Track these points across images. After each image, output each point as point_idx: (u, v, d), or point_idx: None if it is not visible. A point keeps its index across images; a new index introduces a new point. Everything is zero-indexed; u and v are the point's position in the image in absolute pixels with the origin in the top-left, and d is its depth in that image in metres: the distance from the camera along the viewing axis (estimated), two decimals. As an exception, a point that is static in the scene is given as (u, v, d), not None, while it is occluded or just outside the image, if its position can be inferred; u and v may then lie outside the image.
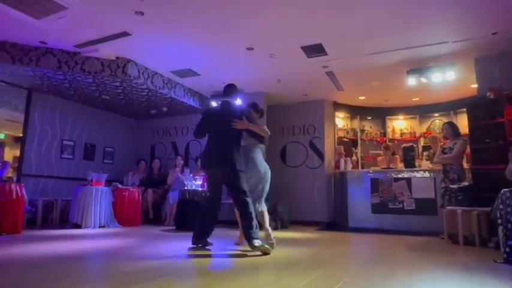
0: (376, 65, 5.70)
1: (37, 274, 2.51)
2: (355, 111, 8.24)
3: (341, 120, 8.31)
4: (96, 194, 5.72)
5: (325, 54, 5.32)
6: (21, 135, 6.52)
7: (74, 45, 5.19)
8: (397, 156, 6.73)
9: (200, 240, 3.71)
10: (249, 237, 3.40)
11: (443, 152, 5.01)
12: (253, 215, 3.50)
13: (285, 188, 7.36)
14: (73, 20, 4.40)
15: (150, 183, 7.34)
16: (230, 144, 3.67)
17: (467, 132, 5.26)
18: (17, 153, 6.95)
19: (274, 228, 5.99)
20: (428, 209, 5.68)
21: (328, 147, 7.55)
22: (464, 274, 2.66)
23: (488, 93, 5.02)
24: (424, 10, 4.14)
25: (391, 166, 6.38)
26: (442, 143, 5.59)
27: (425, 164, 6.25)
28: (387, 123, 8.36)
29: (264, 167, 4.03)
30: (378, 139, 8.31)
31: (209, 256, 3.36)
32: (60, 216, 6.41)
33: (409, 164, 6.11)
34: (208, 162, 3.76)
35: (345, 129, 8.29)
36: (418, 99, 7.52)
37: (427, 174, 5.88)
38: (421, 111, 8.07)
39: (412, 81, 5.76)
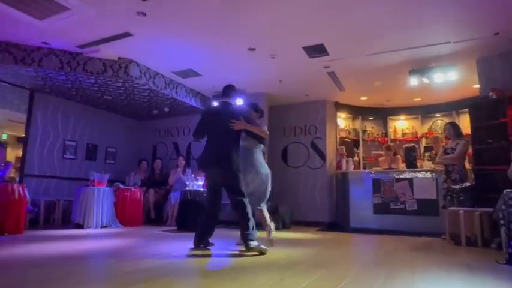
0: (377, 65, 5.69)
1: (39, 274, 2.52)
2: (357, 112, 8.22)
3: (343, 120, 8.30)
4: (98, 194, 5.73)
5: (327, 54, 5.32)
6: (24, 135, 6.55)
7: (76, 46, 5.20)
8: (399, 156, 6.72)
9: (202, 241, 3.71)
10: (245, 239, 3.42)
11: (445, 152, 5.00)
12: (250, 216, 3.51)
13: (286, 189, 7.36)
14: (75, 20, 4.41)
15: (151, 183, 7.35)
16: (228, 145, 3.67)
17: (470, 133, 5.24)
18: (20, 153, 6.97)
19: (276, 229, 5.99)
20: (430, 209, 5.67)
21: (330, 147, 7.55)
22: (466, 275, 2.65)
23: (490, 94, 5.00)
24: (426, 10, 4.14)
25: (392, 166, 6.37)
26: (444, 144, 5.59)
27: (427, 164, 6.25)
28: (389, 124, 8.35)
29: (265, 168, 4.04)
30: (380, 139, 8.29)
31: (211, 256, 3.37)
32: (62, 216, 6.43)
33: (411, 164, 6.10)
34: (206, 162, 3.78)
35: (346, 129, 8.28)
36: (419, 99, 7.51)
37: (429, 175, 5.87)
38: (423, 111, 8.05)
39: (413, 81, 5.75)
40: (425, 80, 5.69)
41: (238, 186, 3.59)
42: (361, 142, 8.17)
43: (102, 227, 5.69)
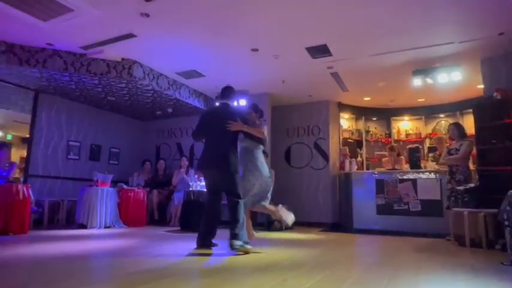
0: (381, 65, 5.68)
1: (43, 274, 2.53)
2: (360, 112, 8.21)
3: (346, 121, 8.29)
4: (101, 194, 5.76)
5: (330, 55, 5.32)
6: (28, 136, 6.58)
7: (80, 47, 5.23)
8: (403, 157, 6.70)
9: (205, 241, 3.72)
10: (231, 237, 3.49)
11: (449, 153, 4.98)
12: (241, 218, 3.56)
13: (289, 189, 7.35)
14: (79, 21, 4.43)
15: (155, 184, 7.37)
16: (226, 146, 3.69)
17: (474, 133, 5.22)
18: (24, 154, 7.02)
19: (279, 230, 6.00)
20: (434, 210, 5.64)
21: (333, 148, 7.53)
22: (470, 276, 2.64)
23: (495, 94, 4.98)
24: (430, 10, 4.12)
25: (396, 167, 6.35)
26: (448, 144, 5.56)
27: (431, 165, 6.22)
28: (392, 124, 8.32)
29: (267, 168, 4.06)
30: (383, 140, 8.27)
31: (213, 257, 3.37)
32: (66, 216, 6.47)
33: (415, 165, 6.08)
34: (204, 163, 3.81)
35: (349, 130, 8.27)
36: (423, 99, 7.48)
37: (432, 176, 5.85)
38: (426, 112, 8.02)
39: (417, 81, 5.73)
40: (429, 81, 5.67)
41: (235, 188, 3.64)
42: (364, 143, 8.15)
43: (105, 227, 5.71)
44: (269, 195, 4.14)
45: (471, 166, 5.18)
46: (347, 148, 7.52)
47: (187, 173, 7.05)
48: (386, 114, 8.26)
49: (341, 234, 5.79)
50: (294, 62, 5.62)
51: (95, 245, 4.21)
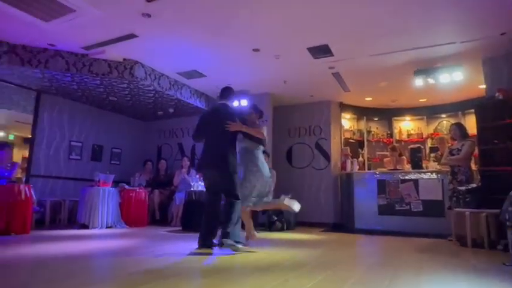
0: (382, 65, 5.67)
1: (45, 274, 2.54)
2: (362, 112, 8.19)
3: (347, 121, 8.28)
4: (103, 194, 5.77)
5: (332, 55, 5.31)
6: (30, 136, 6.61)
7: (82, 47, 5.24)
8: (404, 157, 6.69)
9: (206, 241, 3.72)
10: (222, 235, 3.56)
11: (450, 153, 4.97)
12: (235, 217, 3.60)
13: (291, 189, 7.23)
14: (81, 22, 4.44)
15: (156, 184, 7.38)
16: (225, 146, 3.72)
17: (476, 133, 5.21)
18: (26, 154, 7.04)
19: (280, 230, 6.00)
20: (436, 210, 5.63)
21: (335, 148, 7.53)
22: (472, 277, 2.63)
23: (497, 94, 4.96)
24: (431, 10, 4.11)
25: (398, 167, 6.34)
26: (449, 144, 5.55)
27: (433, 165, 6.21)
28: (394, 124, 8.31)
29: (267, 168, 4.07)
30: (385, 140, 8.26)
31: (215, 257, 3.37)
32: (68, 216, 6.48)
33: (416, 165, 6.07)
34: (203, 163, 3.84)
35: (351, 130, 8.26)
36: (425, 100, 7.47)
37: (434, 176, 5.84)
38: (428, 112, 8.00)
39: (419, 82, 5.72)
40: (430, 81, 5.67)
41: (234, 189, 3.67)
42: (366, 143, 8.14)
43: (107, 227, 5.72)
44: (270, 195, 4.13)
45: (473, 166, 5.16)
46: (348, 148, 7.51)
47: (188, 173, 7.06)
48: (387, 115, 8.25)
49: (342, 234, 5.79)
50: (296, 62, 5.62)
51: (97, 245, 4.21)
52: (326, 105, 7.60)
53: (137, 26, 4.59)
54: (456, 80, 5.53)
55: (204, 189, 4.04)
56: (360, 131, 8.33)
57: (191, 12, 4.22)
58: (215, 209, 3.79)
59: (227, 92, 4.05)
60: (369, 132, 8.30)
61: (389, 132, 8.36)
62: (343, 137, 7.87)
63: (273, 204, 4.21)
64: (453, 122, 6.02)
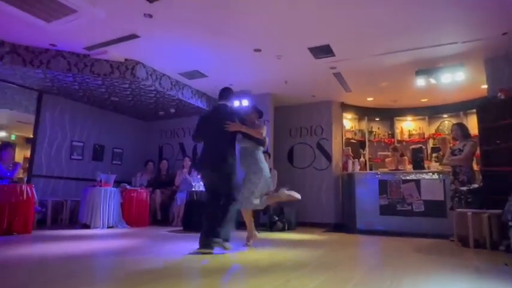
0: (384, 65, 5.66)
1: (46, 274, 2.54)
2: (363, 112, 8.18)
3: (349, 121, 8.27)
4: (104, 194, 5.78)
5: (333, 55, 5.31)
6: (32, 136, 6.62)
7: (84, 48, 5.25)
8: (406, 157, 6.68)
9: (207, 241, 3.71)
10: (212, 232, 3.57)
11: (452, 153, 4.96)
12: (227, 217, 3.62)
13: (292, 189, 7.31)
14: (82, 22, 4.45)
15: (158, 184, 7.38)
16: (223, 147, 3.72)
17: (477, 134, 5.19)
18: (28, 154, 7.06)
19: (281, 230, 5.99)
20: (438, 211, 5.62)
21: (336, 148, 7.52)
22: (474, 277, 2.63)
23: (498, 94, 4.94)
24: (433, 10, 4.11)
25: (399, 168, 6.33)
26: (451, 145, 5.53)
27: (434, 165, 6.19)
28: (395, 125, 8.29)
29: (267, 169, 4.08)
30: (386, 140, 8.25)
31: (216, 257, 3.37)
32: (70, 216, 6.50)
33: (418, 165, 6.06)
34: (202, 163, 3.85)
35: (352, 130, 8.25)
36: (426, 100, 7.46)
37: (436, 176, 5.82)
38: (430, 112, 7.98)
39: (420, 82, 5.71)
40: (432, 81, 5.66)
41: (231, 190, 3.68)
42: (367, 143, 8.13)
43: (108, 227, 5.73)
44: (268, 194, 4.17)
45: (475, 167, 5.15)
46: (350, 148, 7.50)
47: (189, 173, 7.06)
48: (389, 115, 8.23)
49: (344, 234, 5.78)
50: (297, 62, 5.61)
51: (98, 245, 4.22)
52: (327, 106, 7.60)
53: (139, 27, 4.59)
54: (458, 80, 5.51)
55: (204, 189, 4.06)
56: (361, 131, 8.31)
57: (193, 12, 4.22)
58: (215, 209, 3.79)
59: (226, 93, 4.04)
60: (370, 132, 8.29)
61: (390, 132, 8.35)
62: (344, 137, 7.86)
63: (273, 198, 4.23)
64: (455, 122, 6.02)
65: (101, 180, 5.96)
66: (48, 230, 5.41)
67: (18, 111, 7.53)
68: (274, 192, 4.22)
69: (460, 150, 4.84)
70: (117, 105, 7.42)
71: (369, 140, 8.18)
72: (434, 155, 6.99)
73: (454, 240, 4.59)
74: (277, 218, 6.09)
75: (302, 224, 6.78)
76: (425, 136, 8.02)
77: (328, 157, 7.42)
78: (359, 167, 6.97)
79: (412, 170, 6.14)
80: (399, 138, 8.19)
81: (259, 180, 3.95)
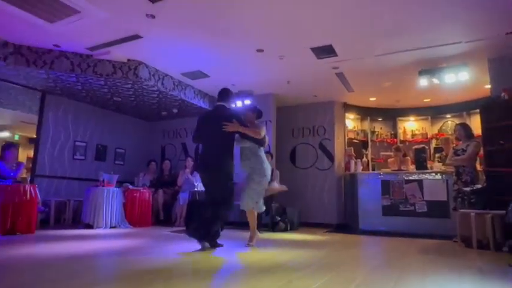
0: (387, 65, 5.65)
1: (49, 274, 2.55)
2: (366, 113, 8.16)
3: (351, 121, 8.25)
4: (107, 194, 5.79)
5: (335, 55, 5.30)
6: (35, 136, 6.64)
7: (87, 48, 5.27)
8: (409, 157, 6.66)
9: (210, 242, 3.72)
10: (204, 235, 3.60)
11: (455, 153, 4.93)
12: (217, 221, 3.64)
13: (294, 190, 7.32)
14: (86, 23, 4.46)
15: (160, 184, 7.40)
16: (221, 148, 3.75)
17: (481, 134, 5.17)
18: (31, 154, 7.09)
19: (284, 230, 5.99)
20: (441, 211, 5.60)
21: (338, 148, 7.51)
22: (477, 278, 2.62)
23: (502, 94, 4.92)
24: (436, 10, 4.09)
25: (402, 168, 6.31)
26: (454, 145, 5.51)
27: (437, 165, 6.17)
28: (398, 125, 8.27)
29: (269, 169, 4.09)
30: (389, 140, 8.22)
31: (218, 258, 3.37)
32: (73, 216, 6.52)
33: (421, 165, 6.04)
34: (200, 165, 3.92)
35: (355, 130, 8.23)
36: (429, 100, 7.43)
37: (439, 176, 5.80)
38: (432, 112, 7.95)
39: (423, 82, 5.69)
40: (435, 81, 5.63)
41: (219, 193, 3.69)
42: (370, 143, 8.11)
43: (111, 227, 5.74)
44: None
45: (478, 167, 5.12)
46: (352, 149, 7.49)
47: (192, 173, 7.06)
48: (392, 115, 8.21)
49: (346, 235, 5.77)
50: (299, 62, 5.61)
51: (101, 245, 4.23)
52: (330, 106, 7.58)
53: (141, 27, 4.60)
54: (461, 80, 5.49)
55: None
56: (363, 131, 8.29)
57: (195, 13, 4.22)
58: (214, 210, 3.79)
59: (224, 93, 4.05)
60: (372, 132, 8.27)
61: (393, 132, 8.32)
62: (347, 138, 7.85)
63: (266, 191, 4.29)
64: (458, 122, 5.99)
65: (103, 180, 5.98)
66: (51, 229, 5.43)
67: (21, 112, 7.55)
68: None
69: (463, 151, 4.82)
70: (119, 105, 7.44)
71: (371, 140, 8.16)
72: (437, 155, 6.97)
73: (457, 241, 4.57)
74: (279, 219, 6.08)
75: (304, 225, 6.77)
76: (428, 136, 7.99)
77: (331, 157, 7.41)
78: (361, 167, 6.95)
79: (414, 170, 6.12)
80: (402, 139, 8.16)
81: (266, 182, 3.99)
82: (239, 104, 6.80)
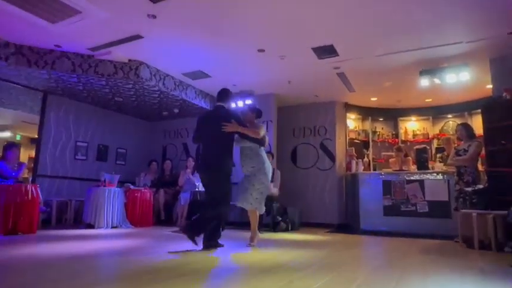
0: (388, 65, 5.64)
1: (51, 274, 2.55)
2: (367, 113, 8.16)
3: (352, 121, 8.25)
4: (108, 194, 5.80)
5: (337, 55, 5.29)
6: (37, 136, 6.66)
7: (88, 48, 5.28)
8: (410, 158, 6.65)
9: (211, 242, 3.72)
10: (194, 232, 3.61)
11: (457, 153, 4.92)
12: (203, 225, 3.64)
13: (295, 190, 7.33)
14: (87, 23, 4.47)
15: (161, 184, 7.40)
16: (220, 148, 3.75)
17: (482, 134, 5.16)
18: (33, 154, 7.11)
19: (285, 230, 5.99)
20: (442, 211, 5.59)
21: (339, 148, 7.50)
22: (479, 279, 2.61)
23: (504, 94, 4.91)
24: (437, 10, 4.09)
25: (403, 168, 6.30)
26: (455, 145, 5.50)
27: (439, 166, 6.16)
28: (399, 125, 8.26)
29: (270, 169, 4.09)
30: (390, 140, 8.22)
31: (220, 258, 3.37)
32: (74, 216, 6.53)
33: (422, 166, 6.03)
34: (199, 166, 3.94)
35: (356, 130, 8.23)
36: (431, 100, 7.42)
37: (440, 177, 5.79)
38: (434, 112, 7.95)
39: (425, 82, 5.69)
40: (436, 81, 5.63)
41: (216, 194, 3.69)
42: (371, 143, 8.11)
43: (112, 227, 5.75)
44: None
45: (480, 167, 5.11)
46: (353, 149, 7.49)
47: (193, 173, 7.07)
48: (393, 115, 8.20)
49: (347, 235, 5.76)
50: (300, 62, 5.60)
51: (102, 245, 4.23)
52: (331, 106, 7.58)
53: (143, 27, 4.61)
54: (462, 80, 5.48)
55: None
56: (365, 131, 8.29)
57: (196, 13, 4.23)
58: (215, 209, 3.80)
59: (223, 94, 4.04)
60: (374, 132, 8.27)
61: (394, 132, 8.32)
62: (348, 138, 7.84)
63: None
64: (459, 122, 5.97)
65: (105, 180, 5.99)
66: (53, 229, 5.44)
67: (23, 112, 7.57)
68: None
69: (465, 151, 4.81)
70: (121, 105, 7.45)
71: (372, 140, 8.15)
72: (438, 155, 6.96)
73: (458, 241, 4.56)
74: (280, 219, 6.08)
75: (305, 225, 6.77)
76: (430, 136, 7.98)
77: (332, 157, 7.41)
78: (363, 167, 6.95)
79: (416, 170, 6.12)
80: (403, 139, 8.16)
81: (268, 182, 3.99)
82: (240, 104, 6.80)
